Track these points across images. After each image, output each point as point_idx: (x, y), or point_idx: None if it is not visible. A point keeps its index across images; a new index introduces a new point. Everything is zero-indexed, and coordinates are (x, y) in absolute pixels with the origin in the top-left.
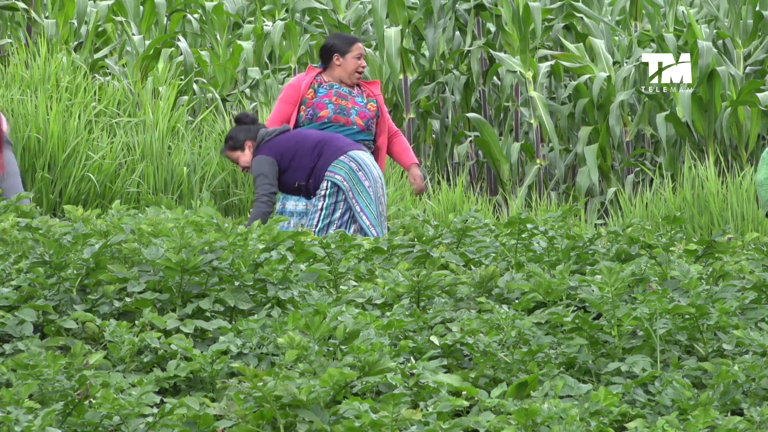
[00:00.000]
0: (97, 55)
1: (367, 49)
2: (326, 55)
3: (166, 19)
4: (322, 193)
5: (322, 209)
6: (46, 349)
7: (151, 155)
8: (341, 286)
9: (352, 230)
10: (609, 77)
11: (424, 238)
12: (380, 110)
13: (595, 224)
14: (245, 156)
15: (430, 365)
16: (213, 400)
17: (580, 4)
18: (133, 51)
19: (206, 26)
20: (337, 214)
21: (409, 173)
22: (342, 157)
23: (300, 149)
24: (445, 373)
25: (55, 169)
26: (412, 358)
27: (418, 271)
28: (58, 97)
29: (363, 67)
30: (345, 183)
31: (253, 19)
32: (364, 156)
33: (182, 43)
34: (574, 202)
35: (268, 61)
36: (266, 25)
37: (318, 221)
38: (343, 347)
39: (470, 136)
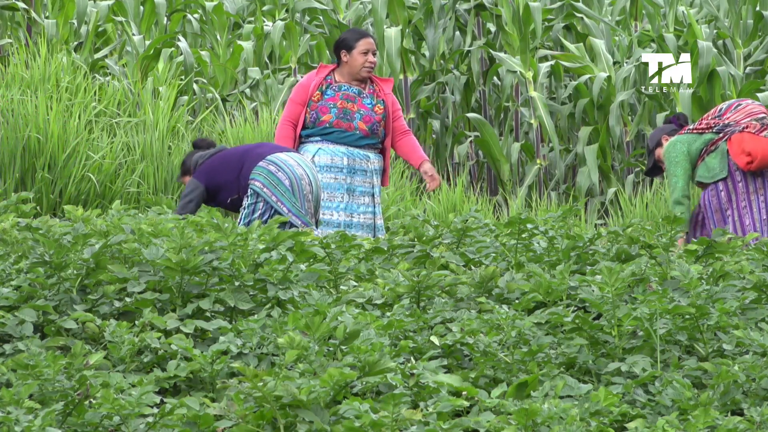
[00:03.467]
0: (97, 55)
1: None
2: (336, 51)
3: (166, 19)
4: (246, 195)
5: (244, 208)
6: (46, 349)
7: (151, 155)
8: (341, 286)
9: None
10: (609, 77)
11: (424, 238)
12: (387, 112)
13: (595, 224)
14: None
15: (430, 365)
16: (213, 400)
17: (580, 4)
18: (133, 51)
19: (206, 26)
20: (257, 214)
21: (421, 171)
22: (261, 163)
23: (224, 167)
24: (446, 373)
25: (55, 169)
26: (412, 358)
27: (418, 271)
28: (58, 97)
29: (371, 62)
30: (264, 189)
31: (253, 19)
32: (286, 156)
33: (182, 43)
34: (574, 202)
35: (268, 61)
36: (266, 25)
37: (240, 220)
38: (343, 347)
39: (470, 136)
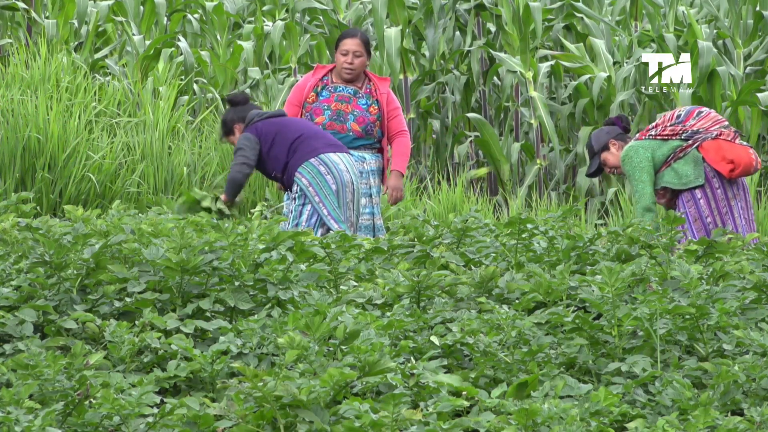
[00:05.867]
0: (97, 55)
1: None
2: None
3: (166, 19)
4: (293, 195)
5: (291, 211)
6: (47, 349)
7: (151, 155)
8: (341, 286)
9: (319, 234)
10: (609, 77)
11: (424, 238)
12: (382, 111)
13: (596, 224)
14: (236, 139)
15: (431, 365)
16: (213, 400)
17: (580, 4)
18: (133, 51)
19: (206, 26)
20: (304, 217)
21: (387, 183)
22: (312, 159)
23: (279, 138)
24: (446, 373)
25: (55, 169)
26: (412, 358)
27: (418, 271)
28: (58, 97)
29: (348, 63)
30: (310, 188)
31: (253, 19)
32: (338, 159)
33: (182, 43)
34: (575, 202)
35: (268, 61)
36: (266, 25)
37: (287, 224)
38: (343, 347)
39: (470, 136)
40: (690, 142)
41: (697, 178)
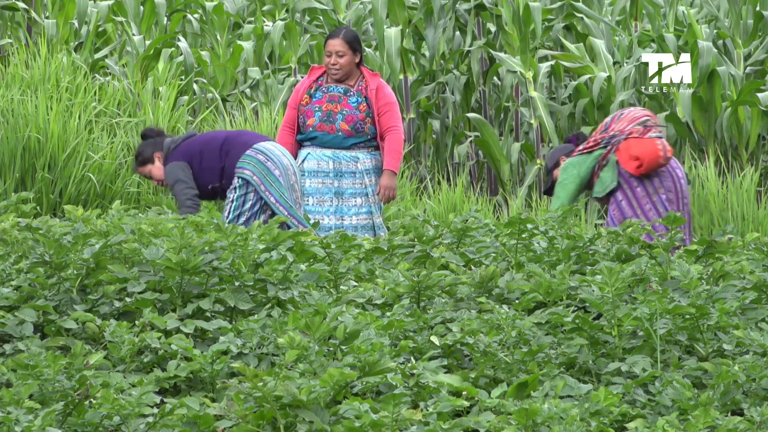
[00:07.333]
0: (97, 55)
1: (367, 48)
2: None
3: (166, 19)
4: (233, 186)
5: (233, 201)
6: (47, 349)
7: None
8: (341, 286)
9: (262, 220)
10: (609, 77)
11: (424, 238)
12: (372, 108)
13: (596, 224)
14: (156, 168)
15: (431, 365)
16: (213, 401)
17: (580, 4)
18: (133, 51)
19: (206, 26)
20: (248, 205)
21: (381, 178)
22: (248, 152)
23: (206, 151)
24: (446, 373)
25: (55, 169)
26: (412, 358)
27: (418, 271)
28: (58, 98)
29: (332, 64)
30: (254, 177)
31: (253, 19)
32: (272, 146)
33: (182, 43)
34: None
35: (268, 61)
36: (266, 25)
37: (229, 213)
38: (343, 347)
39: (470, 136)
40: (609, 148)
41: (612, 181)
